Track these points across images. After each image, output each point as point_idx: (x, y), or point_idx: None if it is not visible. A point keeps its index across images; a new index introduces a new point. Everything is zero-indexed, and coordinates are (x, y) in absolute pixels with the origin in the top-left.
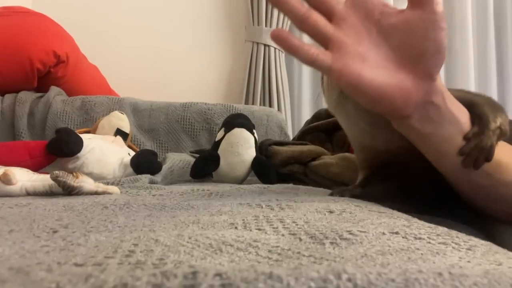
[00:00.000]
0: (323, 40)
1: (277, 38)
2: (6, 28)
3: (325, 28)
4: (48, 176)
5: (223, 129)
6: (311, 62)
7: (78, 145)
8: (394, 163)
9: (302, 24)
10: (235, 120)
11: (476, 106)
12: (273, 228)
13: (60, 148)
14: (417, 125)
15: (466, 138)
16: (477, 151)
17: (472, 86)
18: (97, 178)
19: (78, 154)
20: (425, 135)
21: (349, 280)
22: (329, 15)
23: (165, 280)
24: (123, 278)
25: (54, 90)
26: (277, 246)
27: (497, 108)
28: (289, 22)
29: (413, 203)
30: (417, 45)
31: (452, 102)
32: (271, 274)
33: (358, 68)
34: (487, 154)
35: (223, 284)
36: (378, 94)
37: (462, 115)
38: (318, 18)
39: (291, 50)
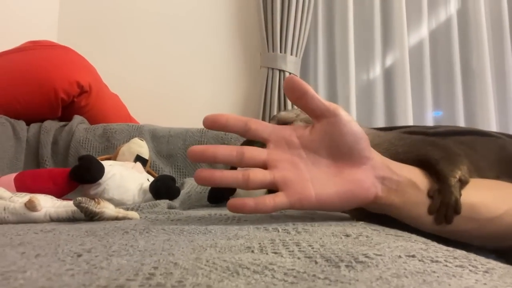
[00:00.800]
0: (270, 186)
1: (235, 209)
2: (33, 61)
3: (266, 178)
4: (71, 202)
5: None
6: (273, 209)
7: (99, 172)
8: None
9: (247, 185)
10: (252, 144)
11: (432, 163)
12: (289, 251)
13: (83, 175)
14: (385, 200)
15: (430, 196)
16: (444, 208)
17: (491, 106)
18: (117, 203)
19: (100, 181)
20: (396, 205)
21: None
22: (263, 165)
23: None
24: None
25: (77, 119)
26: (292, 269)
27: (454, 160)
28: (303, 47)
29: None
30: (341, 144)
31: (400, 168)
32: None
33: (311, 192)
34: (455, 208)
35: None
36: (340, 198)
37: (416, 176)
38: (255, 175)
39: (251, 211)
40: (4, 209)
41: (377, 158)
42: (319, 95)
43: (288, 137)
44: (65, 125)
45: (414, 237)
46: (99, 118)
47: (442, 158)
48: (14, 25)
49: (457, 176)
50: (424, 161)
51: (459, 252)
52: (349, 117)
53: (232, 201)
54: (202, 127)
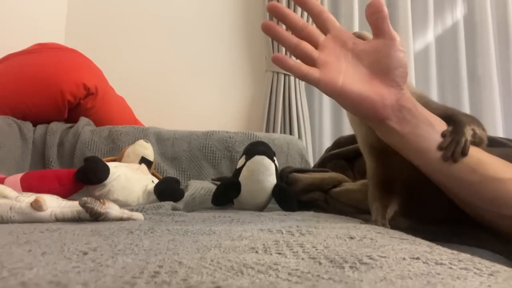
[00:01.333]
0: (311, 61)
1: (277, 59)
2: (40, 63)
3: (312, 52)
4: (76, 202)
5: (244, 156)
6: (303, 76)
7: (105, 173)
8: (400, 181)
9: (294, 50)
10: (256, 148)
11: (453, 115)
12: (293, 252)
13: (88, 176)
14: (396, 126)
15: (443, 135)
16: (454, 145)
17: (498, 113)
18: (122, 205)
19: (105, 182)
20: (405, 135)
21: None
22: (315, 44)
23: None
24: None
25: (83, 120)
26: (296, 269)
27: (474, 120)
28: None
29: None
30: (383, 62)
31: (423, 109)
32: None
33: (340, 80)
34: (463, 148)
35: None
36: (359, 98)
37: (435, 119)
38: (306, 45)
39: (288, 68)
40: (10, 209)
41: (407, 93)
42: (324, 96)
43: (346, 39)
44: (71, 127)
45: (418, 240)
46: (104, 120)
47: (465, 115)
48: (22, 28)
49: (472, 126)
50: (448, 114)
51: (464, 255)
52: (402, 47)
53: (277, 54)
54: (207, 129)
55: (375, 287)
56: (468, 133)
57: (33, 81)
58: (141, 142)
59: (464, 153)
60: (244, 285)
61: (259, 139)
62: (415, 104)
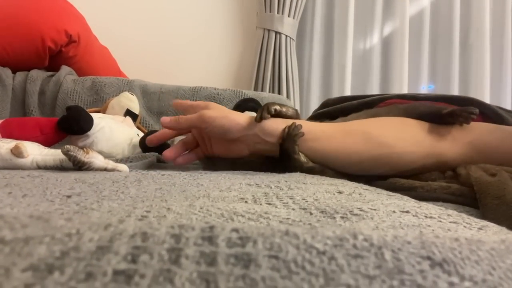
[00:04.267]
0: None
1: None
2: (18, 6)
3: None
4: (59, 151)
5: None
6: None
7: (88, 123)
8: None
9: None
10: (247, 104)
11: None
12: (283, 203)
13: (71, 126)
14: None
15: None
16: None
17: (487, 80)
18: (106, 157)
19: (88, 133)
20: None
21: (365, 240)
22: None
23: (184, 231)
24: (142, 228)
25: (65, 69)
26: (288, 218)
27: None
28: (301, 9)
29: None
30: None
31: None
32: (288, 231)
33: None
34: (267, 109)
35: (241, 237)
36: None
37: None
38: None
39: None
40: None
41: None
42: (314, 56)
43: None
44: (52, 75)
45: (405, 197)
46: (87, 70)
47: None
48: None
49: (275, 107)
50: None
51: (452, 211)
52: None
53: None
54: (194, 85)
55: (372, 232)
56: (271, 107)
57: (11, 25)
58: (126, 94)
59: (269, 111)
60: (238, 226)
61: (248, 97)
62: (259, 135)
